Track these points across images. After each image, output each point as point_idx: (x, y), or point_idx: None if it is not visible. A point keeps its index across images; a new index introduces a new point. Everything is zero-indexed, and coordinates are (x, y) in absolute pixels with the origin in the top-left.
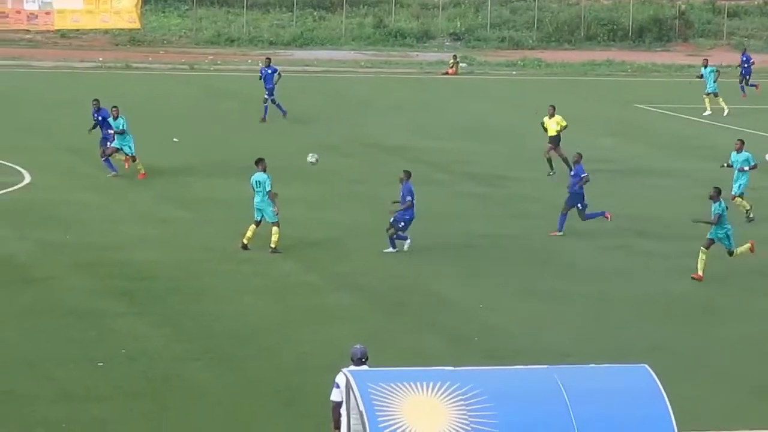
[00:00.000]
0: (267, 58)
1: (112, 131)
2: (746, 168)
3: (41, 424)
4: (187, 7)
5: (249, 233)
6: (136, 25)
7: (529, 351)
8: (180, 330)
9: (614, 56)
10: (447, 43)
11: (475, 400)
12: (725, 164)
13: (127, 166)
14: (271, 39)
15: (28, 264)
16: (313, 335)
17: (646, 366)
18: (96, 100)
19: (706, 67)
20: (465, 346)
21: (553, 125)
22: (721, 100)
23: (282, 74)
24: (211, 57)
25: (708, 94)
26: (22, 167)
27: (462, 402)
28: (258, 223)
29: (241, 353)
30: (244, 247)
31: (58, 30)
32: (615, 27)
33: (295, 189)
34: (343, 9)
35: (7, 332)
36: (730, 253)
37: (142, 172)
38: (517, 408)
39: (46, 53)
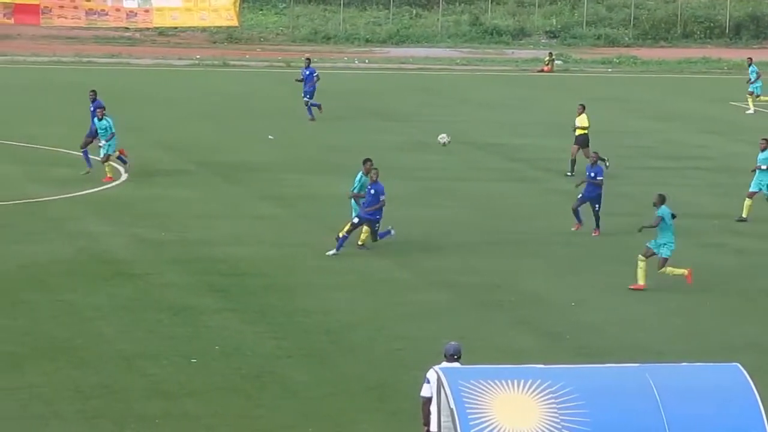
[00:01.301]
0: (307, 59)
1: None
2: (763, 167)
3: (136, 419)
4: (284, 5)
5: (362, 235)
6: (234, 22)
7: (620, 349)
8: (273, 326)
9: (710, 53)
10: (543, 41)
11: (566, 398)
12: (756, 168)
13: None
14: (368, 36)
15: (125, 260)
16: (405, 332)
17: (738, 365)
18: (93, 91)
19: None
20: (557, 343)
21: (577, 124)
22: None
23: (320, 77)
24: (307, 55)
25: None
26: (120, 164)
27: (553, 400)
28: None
29: (333, 349)
30: (361, 246)
31: (157, 27)
32: (712, 24)
33: (390, 186)
34: (439, 6)
35: (105, 327)
36: (660, 266)
37: (109, 176)
38: (608, 406)
39: (145, 51)
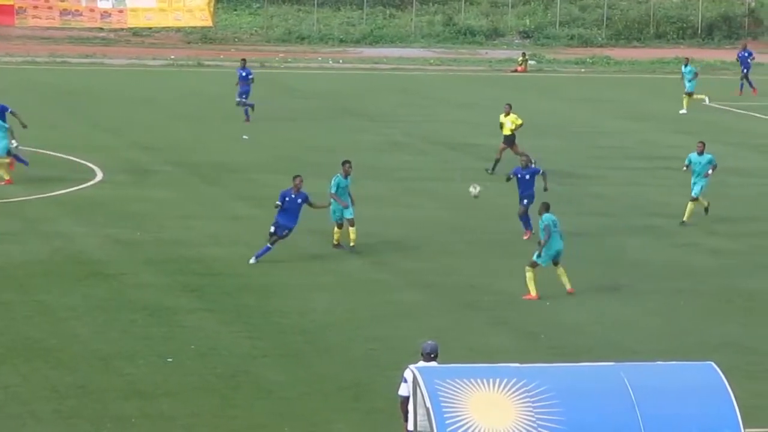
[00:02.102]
0: (242, 60)
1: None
2: (710, 172)
3: (112, 419)
4: (258, 5)
5: (335, 235)
6: (209, 23)
7: (595, 348)
8: (249, 326)
9: (683, 54)
10: (516, 41)
11: (541, 397)
12: (684, 167)
13: (12, 168)
14: (341, 37)
15: (100, 260)
16: (381, 332)
17: (712, 363)
18: None
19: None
20: (532, 343)
21: (508, 124)
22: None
23: (254, 78)
24: (281, 55)
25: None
26: (95, 164)
27: (528, 399)
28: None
29: (309, 349)
30: (336, 245)
31: (131, 28)
32: (684, 25)
33: (365, 186)
34: (412, 7)
35: (80, 328)
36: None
37: (7, 178)
38: (584, 405)
39: (119, 51)
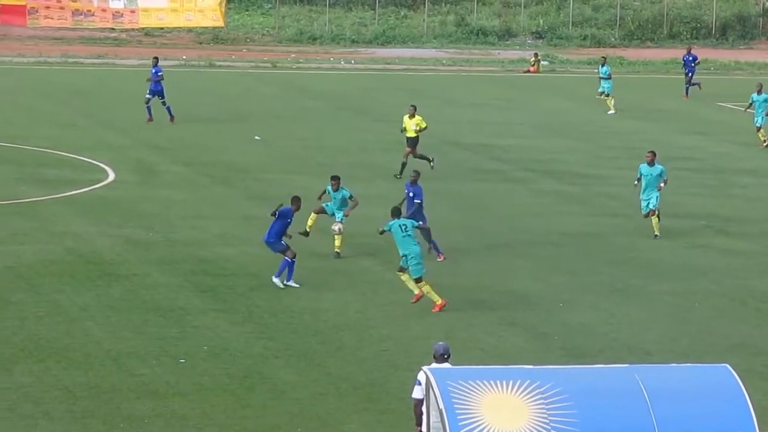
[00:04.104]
0: (155, 58)
1: None
2: (662, 185)
3: (125, 419)
4: (270, 6)
5: (336, 242)
6: (220, 23)
7: (609, 349)
8: (261, 327)
9: (697, 54)
10: (529, 41)
11: (555, 398)
12: (636, 180)
13: None
14: (353, 37)
15: (112, 260)
16: (393, 332)
17: (727, 366)
18: None
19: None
20: (545, 344)
21: (412, 126)
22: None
23: (164, 76)
24: (293, 55)
25: (602, 94)
26: (107, 164)
27: (542, 400)
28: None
29: (321, 350)
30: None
31: (143, 28)
32: (698, 25)
33: (375, 186)
34: (425, 7)
35: (92, 328)
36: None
37: None
38: (597, 407)
39: (131, 51)
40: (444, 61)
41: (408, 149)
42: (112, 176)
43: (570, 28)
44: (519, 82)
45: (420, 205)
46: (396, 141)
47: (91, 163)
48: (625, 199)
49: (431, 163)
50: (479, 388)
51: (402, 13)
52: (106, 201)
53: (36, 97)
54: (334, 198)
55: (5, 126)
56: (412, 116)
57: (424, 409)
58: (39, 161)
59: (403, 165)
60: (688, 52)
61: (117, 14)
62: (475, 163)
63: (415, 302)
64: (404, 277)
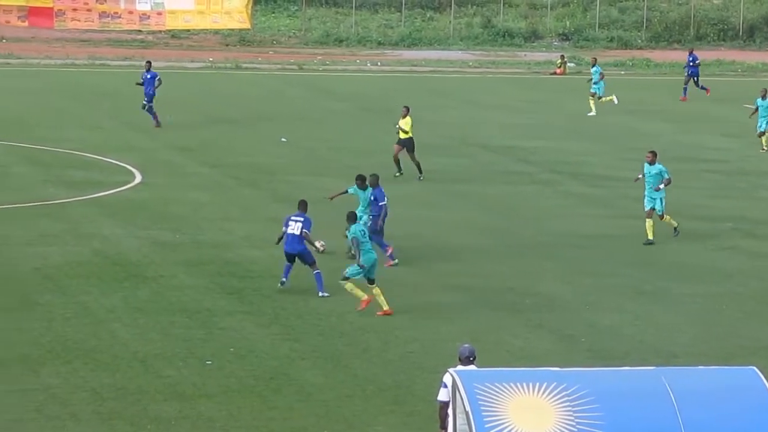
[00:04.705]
0: (147, 62)
1: None
2: (661, 186)
3: (152, 421)
4: (296, 8)
5: None
6: (246, 25)
7: (636, 352)
8: (287, 328)
9: (724, 56)
10: (555, 43)
11: (581, 401)
12: (638, 177)
13: None
14: (380, 39)
15: (139, 262)
16: (418, 334)
17: (755, 368)
18: None
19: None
20: (571, 346)
21: (403, 126)
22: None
23: (162, 80)
24: (320, 57)
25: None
26: (134, 167)
27: (568, 403)
28: None
29: (347, 352)
30: None
31: (170, 30)
32: (725, 26)
33: (402, 187)
34: (451, 9)
35: (119, 329)
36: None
37: None
38: (624, 409)
39: (158, 53)
40: (470, 63)
41: (398, 146)
42: (139, 178)
43: (596, 29)
44: (545, 84)
45: (384, 207)
46: (422, 143)
47: (118, 165)
48: None
49: (397, 174)
50: (506, 391)
51: (428, 15)
52: (133, 203)
53: (63, 99)
54: (363, 199)
55: (33, 128)
56: (404, 117)
57: (449, 411)
58: (67, 163)
59: (397, 162)
60: (690, 53)
61: (144, 16)
62: (502, 166)
63: (364, 308)
64: (348, 285)
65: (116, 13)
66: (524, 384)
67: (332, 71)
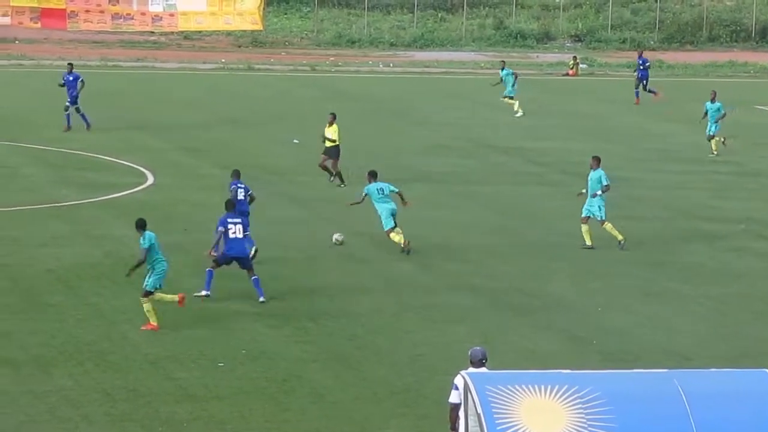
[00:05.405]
0: (69, 64)
1: None
2: (599, 192)
3: (164, 423)
4: (308, 9)
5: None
6: (259, 26)
7: (647, 354)
8: (298, 330)
9: (737, 57)
10: (568, 44)
11: (593, 403)
12: (583, 191)
13: None
14: (392, 40)
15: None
16: (429, 336)
17: (767, 371)
18: None
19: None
20: (582, 348)
21: (328, 135)
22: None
23: (85, 82)
24: (332, 58)
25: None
26: (146, 168)
27: (580, 405)
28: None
29: (358, 354)
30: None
31: (182, 32)
32: (737, 28)
33: (412, 189)
34: (463, 10)
35: (131, 332)
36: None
37: None
38: (636, 412)
39: (170, 54)
40: (482, 64)
41: (324, 157)
42: (151, 179)
43: (609, 31)
44: (558, 85)
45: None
46: (434, 144)
47: (130, 166)
48: (659, 202)
49: (332, 179)
50: (517, 393)
51: (440, 16)
52: (145, 204)
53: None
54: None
55: (45, 129)
56: (330, 125)
57: (461, 413)
58: (79, 164)
59: (338, 174)
60: (640, 56)
61: (156, 18)
62: (512, 166)
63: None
64: (157, 296)
65: (129, 14)
66: (536, 386)
67: (344, 72)
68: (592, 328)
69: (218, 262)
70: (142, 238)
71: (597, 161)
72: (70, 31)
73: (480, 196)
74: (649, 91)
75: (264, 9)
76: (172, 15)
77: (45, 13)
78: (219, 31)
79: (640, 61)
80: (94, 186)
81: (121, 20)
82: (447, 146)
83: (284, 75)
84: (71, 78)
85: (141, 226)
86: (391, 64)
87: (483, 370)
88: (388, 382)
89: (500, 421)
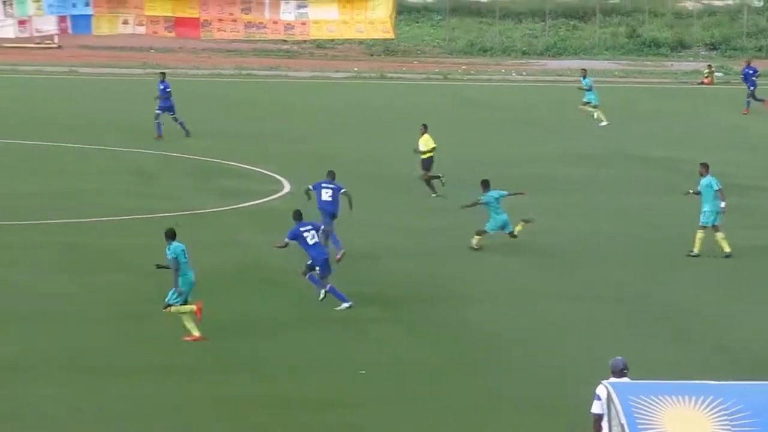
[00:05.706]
0: (161, 73)
1: None
2: (722, 205)
3: (300, 429)
4: (440, 18)
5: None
6: (391, 35)
7: None
8: (437, 338)
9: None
10: (702, 53)
11: (739, 415)
12: (691, 191)
13: None
14: (524, 49)
15: (288, 269)
16: (568, 346)
17: None
18: None
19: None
20: (723, 358)
21: (421, 146)
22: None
23: (172, 92)
24: (464, 67)
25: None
26: (282, 176)
27: (726, 417)
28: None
29: (495, 364)
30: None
31: (314, 40)
32: None
33: (541, 198)
34: (596, 18)
35: (265, 341)
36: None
37: None
38: None
39: (302, 63)
40: (616, 73)
41: (424, 173)
42: (287, 188)
43: (744, 39)
44: (693, 94)
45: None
46: (568, 153)
47: (266, 174)
48: None
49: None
50: (661, 403)
51: (572, 25)
52: (282, 213)
53: (212, 109)
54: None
55: (184, 138)
56: (422, 135)
57: (604, 424)
58: (218, 173)
59: (426, 182)
60: (748, 65)
61: (288, 26)
62: (647, 176)
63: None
64: (174, 309)
65: (261, 23)
66: (680, 397)
67: (477, 81)
68: (731, 339)
69: (310, 268)
70: (168, 248)
71: (705, 168)
72: (203, 40)
73: (617, 207)
74: (759, 99)
75: (396, 17)
76: (304, 23)
77: (179, 23)
78: (351, 39)
79: (751, 71)
80: (232, 194)
81: (254, 29)
82: (584, 155)
83: (417, 83)
84: (162, 87)
85: (170, 236)
86: (524, 73)
87: (625, 380)
88: (528, 393)
89: (645, 430)
